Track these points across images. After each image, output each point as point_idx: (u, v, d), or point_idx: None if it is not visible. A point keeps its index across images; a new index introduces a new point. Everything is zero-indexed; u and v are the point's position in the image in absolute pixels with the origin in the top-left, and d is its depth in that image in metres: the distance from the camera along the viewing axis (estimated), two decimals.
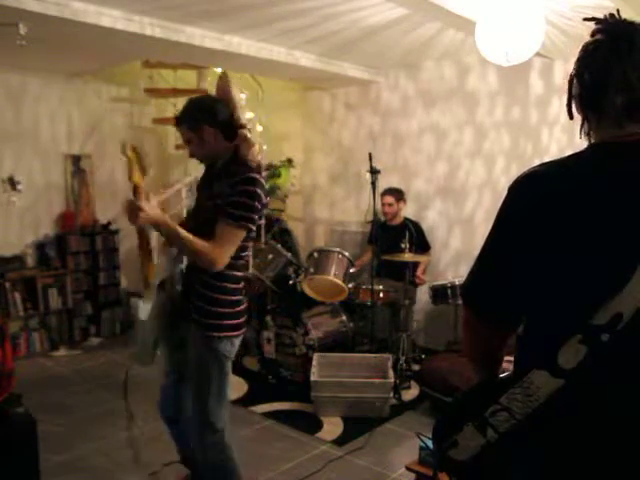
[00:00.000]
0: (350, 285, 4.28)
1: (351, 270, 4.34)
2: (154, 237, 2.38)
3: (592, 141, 1.13)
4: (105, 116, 5.61)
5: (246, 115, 6.19)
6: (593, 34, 1.10)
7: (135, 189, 2.12)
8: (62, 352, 5.06)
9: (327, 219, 5.93)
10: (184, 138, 2.34)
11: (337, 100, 5.72)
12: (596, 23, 1.10)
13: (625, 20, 1.09)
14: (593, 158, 1.09)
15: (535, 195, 1.08)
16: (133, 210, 2.00)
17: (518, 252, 1.09)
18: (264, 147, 5.81)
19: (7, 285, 4.83)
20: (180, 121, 2.30)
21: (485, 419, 1.10)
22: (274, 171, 5.63)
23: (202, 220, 2.23)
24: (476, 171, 4.79)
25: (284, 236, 5.42)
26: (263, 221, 2.13)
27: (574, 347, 1.01)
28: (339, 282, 4.15)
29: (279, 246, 4.48)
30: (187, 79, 5.70)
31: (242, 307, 2.30)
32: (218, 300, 2.22)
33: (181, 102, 6.41)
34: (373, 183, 4.05)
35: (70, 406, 3.84)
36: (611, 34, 1.07)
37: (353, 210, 5.64)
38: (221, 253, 2.11)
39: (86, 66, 4.99)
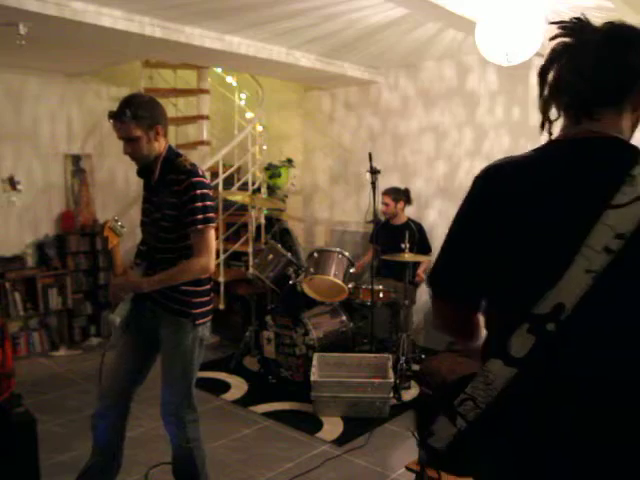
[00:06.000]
0: (350, 285, 4.28)
1: (351, 270, 4.33)
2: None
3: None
4: (105, 116, 5.60)
5: (246, 115, 6.20)
6: (553, 37, 1.16)
7: (114, 262, 2.37)
8: (62, 352, 5.06)
9: (327, 219, 5.93)
10: (128, 134, 2.24)
11: (337, 100, 5.72)
12: (558, 27, 1.15)
13: (587, 24, 1.13)
14: (545, 154, 1.14)
15: (491, 188, 1.16)
16: (120, 291, 2.28)
17: (474, 239, 1.15)
18: (264, 147, 5.82)
19: (7, 285, 4.84)
20: (133, 116, 2.21)
21: (454, 408, 1.12)
22: (274, 171, 5.63)
23: (159, 232, 2.30)
24: (476, 171, 4.74)
25: (284, 236, 5.43)
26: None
27: (523, 336, 1.04)
28: (339, 282, 4.15)
29: (279, 246, 4.48)
30: (187, 79, 5.71)
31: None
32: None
33: (181, 102, 6.43)
34: (373, 183, 4.05)
35: (70, 406, 3.84)
36: (567, 37, 1.14)
37: (353, 210, 5.64)
38: (207, 259, 2.22)
39: (86, 66, 4.99)
